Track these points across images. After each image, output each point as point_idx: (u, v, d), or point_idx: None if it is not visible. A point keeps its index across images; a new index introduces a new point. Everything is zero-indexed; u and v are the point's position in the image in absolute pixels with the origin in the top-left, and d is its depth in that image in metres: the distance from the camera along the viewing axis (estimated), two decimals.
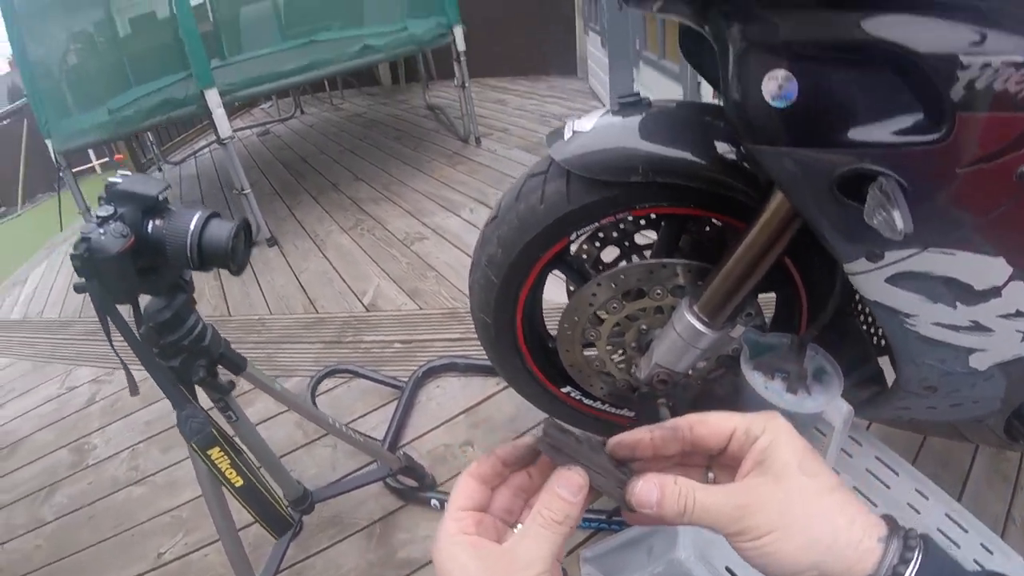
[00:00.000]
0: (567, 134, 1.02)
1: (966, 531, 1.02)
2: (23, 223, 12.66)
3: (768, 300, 1.18)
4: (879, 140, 0.65)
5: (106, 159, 10.05)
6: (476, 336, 1.33)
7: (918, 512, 1.06)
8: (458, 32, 3.77)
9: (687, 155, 0.93)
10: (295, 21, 5.77)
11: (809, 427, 1.05)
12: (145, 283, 0.93)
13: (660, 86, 3.25)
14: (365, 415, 1.91)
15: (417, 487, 1.61)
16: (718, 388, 1.29)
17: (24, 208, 13.99)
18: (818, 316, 0.99)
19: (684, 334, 1.01)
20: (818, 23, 0.65)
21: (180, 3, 2.83)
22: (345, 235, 3.11)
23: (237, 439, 1.13)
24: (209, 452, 1.00)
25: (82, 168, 9.66)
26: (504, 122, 4.45)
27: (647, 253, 1.22)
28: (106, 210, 0.84)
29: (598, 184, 0.99)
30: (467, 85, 3.90)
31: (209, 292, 2.98)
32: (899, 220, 0.61)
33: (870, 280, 0.77)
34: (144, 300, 0.97)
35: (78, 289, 1.00)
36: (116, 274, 0.84)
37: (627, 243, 1.21)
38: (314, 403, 1.94)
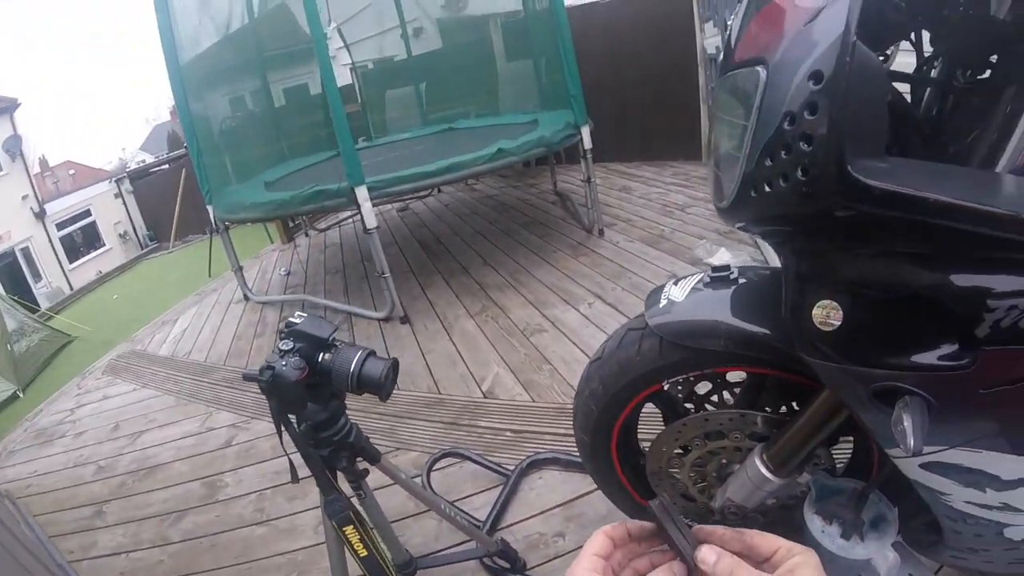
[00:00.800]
0: (663, 301, 1.19)
1: None
2: (174, 260, 14.01)
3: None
4: (911, 363, 0.77)
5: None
6: None
7: None
8: (585, 132, 4.02)
9: (764, 331, 1.05)
10: (435, 106, 6.30)
11: (856, 571, 1.11)
12: (310, 395, 1.19)
13: None
14: (472, 495, 2.10)
15: (509, 568, 1.78)
16: (783, 523, 1.40)
17: (176, 246, 15.55)
18: (880, 474, 1.09)
19: (753, 479, 1.14)
20: (868, 268, 0.78)
21: (335, 109, 3.23)
22: (471, 320, 3.37)
23: (363, 511, 1.37)
24: (345, 529, 1.26)
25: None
26: (628, 211, 4.63)
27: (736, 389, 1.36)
28: (287, 344, 1.11)
29: (683, 348, 1.15)
30: (592, 180, 4.14)
31: None
32: (910, 439, 0.73)
33: (906, 464, 0.90)
34: None
35: (247, 378, 1.27)
36: (292, 395, 1.10)
37: (719, 379, 1.36)
38: (429, 479, 2.16)
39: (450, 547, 1.95)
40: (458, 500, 2.08)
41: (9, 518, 2.28)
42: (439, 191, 6.68)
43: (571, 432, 2.29)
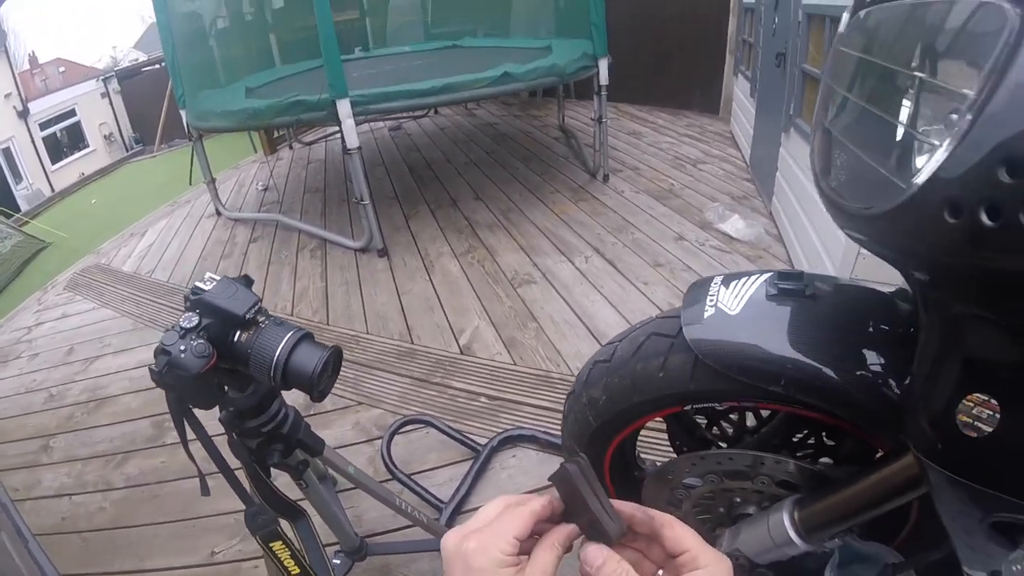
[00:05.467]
0: (708, 310, 0.89)
1: None
2: (157, 164, 13.64)
3: None
4: None
5: None
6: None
7: None
8: (603, 65, 3.67)
9: (837, 379, 0.78)
10: (441, 20, 5.85)
11: None
12: (227, 381, 0.92)
13: (806, 159, 3.04)
14: (437, 468, 1.88)
15: None
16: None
17: (160, 150, 15.12)
18: (923, 552, 0.87)
19: (776, 537, 0.91)
20: None
21: (320, 9, 2.83)
22: (455, 261, 3.10)
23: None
24: (272, 544, 1.06)
25: None
26: (636, 159, 4.32)
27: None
28: (190, 321, 0.82)
29: (726, 377, 0.87)
30: (604, 121, 3.80)
31: (313, 294, 3.06)
32: None
33: None
34: None
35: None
36: (195, 389, 0.82)
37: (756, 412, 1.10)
38: (390, 448, 1.92)
39: (408, 527, 1.73)
40: (420, 473, 1.86)
41: None
42: (436, 112, 6.29)
43: (553, 406, 2.09)
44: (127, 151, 18.05)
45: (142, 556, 1.76)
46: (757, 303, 0.87)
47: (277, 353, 0.82)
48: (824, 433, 1.00)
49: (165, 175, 10.46)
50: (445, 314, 2.66)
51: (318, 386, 0.84)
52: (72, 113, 17.63)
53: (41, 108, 16.76)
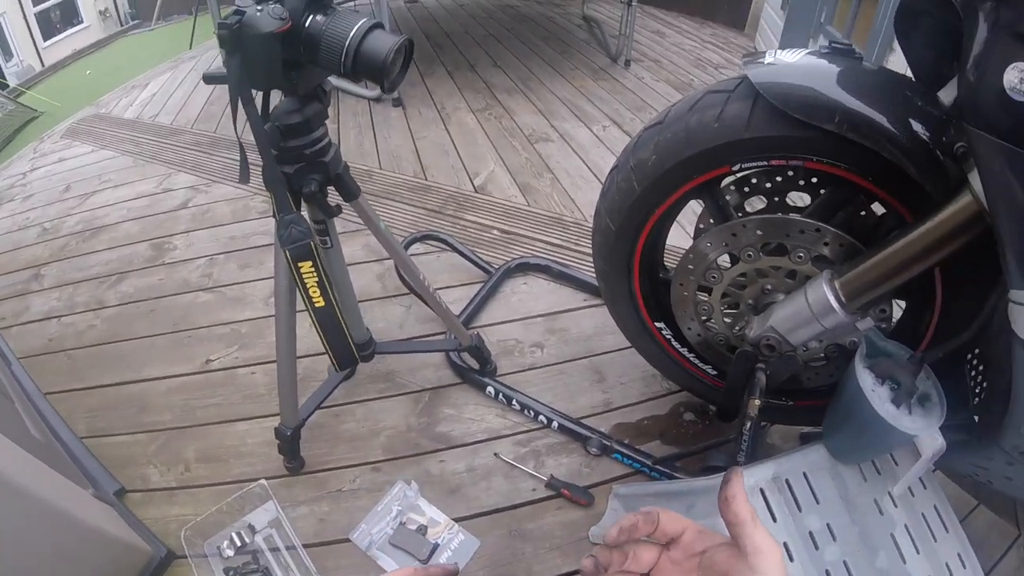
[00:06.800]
0: (768, 59, 0.95)
1: None
2: (154, 38, 13.08)
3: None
4: None
5: None
6: (577, 247, 1.27)
7: None
8: None
9: (886, 121, 0.85)
10: None
11: (894, 448, 1.02)
12: (285, 78, 0.90)
13: None
14: (447, 288, 1.92)
15: (477, 370, 1.61)
16: (812, 379, 1.24)
17: (157, 24, 14.46)
18: (946, 340, 0.91)
19: (815, 306, 0.97)
20: None
21: None
22: (471, 115, 3.06)
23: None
24: (300, 265, 0.98)
25: None
26: (658, 53, 4.23)
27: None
28: None
29: (784, 120, 0.92)
30: (633, 3, 3.69)
31: None
32: None
33: None
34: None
35: (208, 80, 0.97)
36: (261, 56, 0.81)
37: (776, 199, 1.13)
38: None
39: (415, 337, 1.79)
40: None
41: None
42: None
43: (565, 245, 2.13)
44: (122, 26, 17.17)
45: (134, 368, 1.76)
46: (813, 58, 0.95)
47: (350, 37, 0.82)
48: (862, 212, 1.04)
49: (164, 47, 10.05)
50: (460, 158, 2.65)
51: (389, 74, 0.84)
52: None
53: None
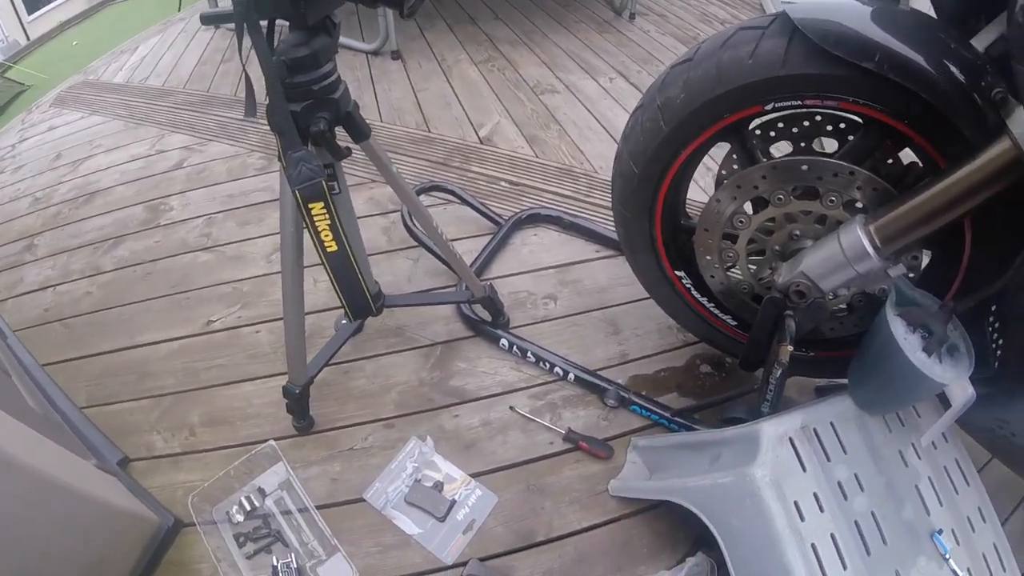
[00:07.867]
0: None
1: (1004, 570, 1.01)
2: (141, 5, 12.74)
3: None
4: None
5: None
6: (587, 198, 1.22)
7: (973, 531, 1.02)
8: None
9: (926, 63, 0.82)
10: None
11: (922, 398, 1.01)
12: (293, 8, 0.85)
13: None
14: (455, 240, 1.85)
15: (490, 322, 1.57)
16: (836, 329, 1.21)
17: None
18: (973, 291, 0.90)
19: (848, 250, 0.94)
20: None
21: None
22: (474, 67, 2.96)
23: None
24: (312, 206, 0.93)
25: None
26: (663, 7, 4.10)
27: None
28: None
29: (821, 58, 0.88)
30: None
31: None
32: None
33: None
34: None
35: (205, 19, 0.91)
36: None
37: (802, 144, 1.08)
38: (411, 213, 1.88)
39: (424, 290, 1.74)
40: None
41: None
42: None
43: (575, 196, 2.07)
44: None
45: (132, 333, 1.71)
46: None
47: None
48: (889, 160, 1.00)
49: (152, 13, 9.84)
50: (464, 110, 2.57)
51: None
52: None
53: None
